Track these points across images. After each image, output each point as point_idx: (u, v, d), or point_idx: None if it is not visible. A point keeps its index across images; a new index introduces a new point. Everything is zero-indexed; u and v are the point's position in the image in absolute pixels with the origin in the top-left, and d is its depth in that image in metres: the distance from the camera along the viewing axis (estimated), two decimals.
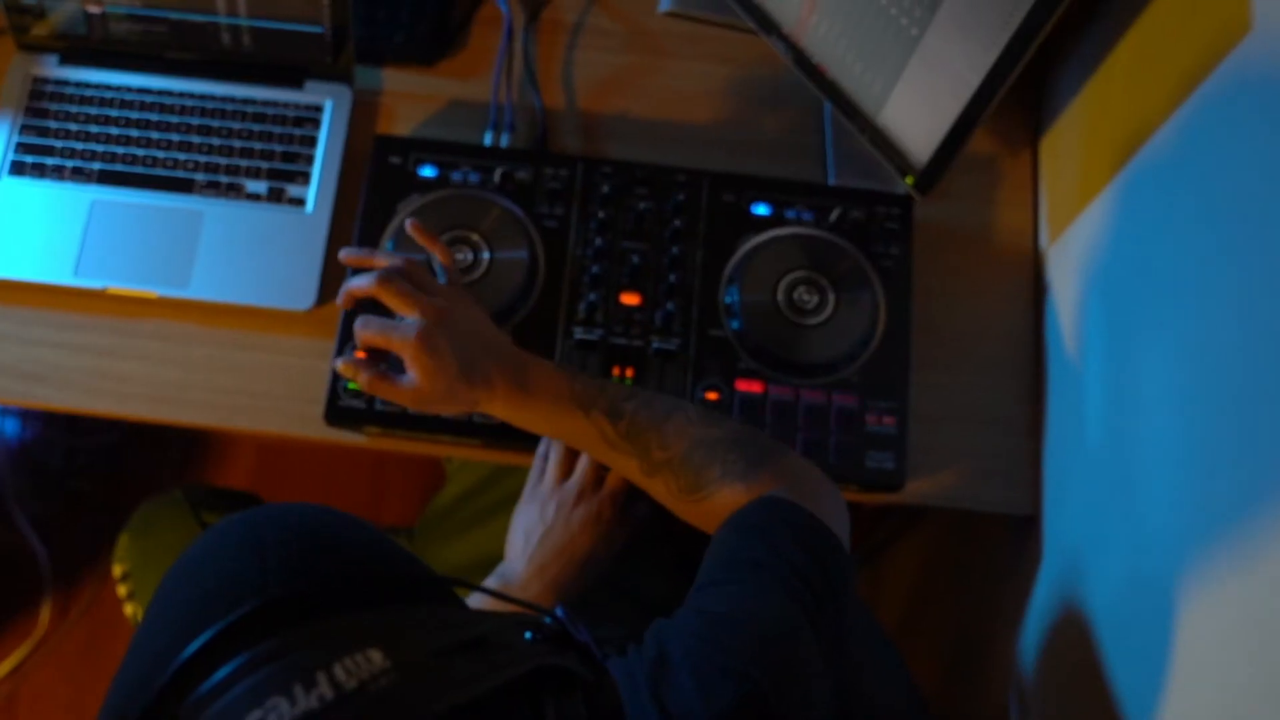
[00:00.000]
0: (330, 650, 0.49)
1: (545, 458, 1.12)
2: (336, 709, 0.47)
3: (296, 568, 0.56)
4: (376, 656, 0.49)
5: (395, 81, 1.30)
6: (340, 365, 0.96)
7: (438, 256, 1.05)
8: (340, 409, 1.13)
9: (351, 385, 1.12)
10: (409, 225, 1.03)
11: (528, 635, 0.57)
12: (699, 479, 0.95)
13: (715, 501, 0.95)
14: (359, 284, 0.96)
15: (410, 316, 0.94)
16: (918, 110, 1.14)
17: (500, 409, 0.98)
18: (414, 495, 1.98)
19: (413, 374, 0.93)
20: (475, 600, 1.01)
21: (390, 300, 0.94)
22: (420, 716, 0.48)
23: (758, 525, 0.89)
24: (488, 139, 1.25)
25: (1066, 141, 1.22)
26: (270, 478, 2.01)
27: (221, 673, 0.49)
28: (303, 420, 1.16)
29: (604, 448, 0.99)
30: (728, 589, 0.85)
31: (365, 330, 0.95)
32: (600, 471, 1.10)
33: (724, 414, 1.04)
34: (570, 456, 1.12)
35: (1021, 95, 1.29)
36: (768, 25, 1.24)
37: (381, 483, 2.03)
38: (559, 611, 0.59)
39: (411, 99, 1.29)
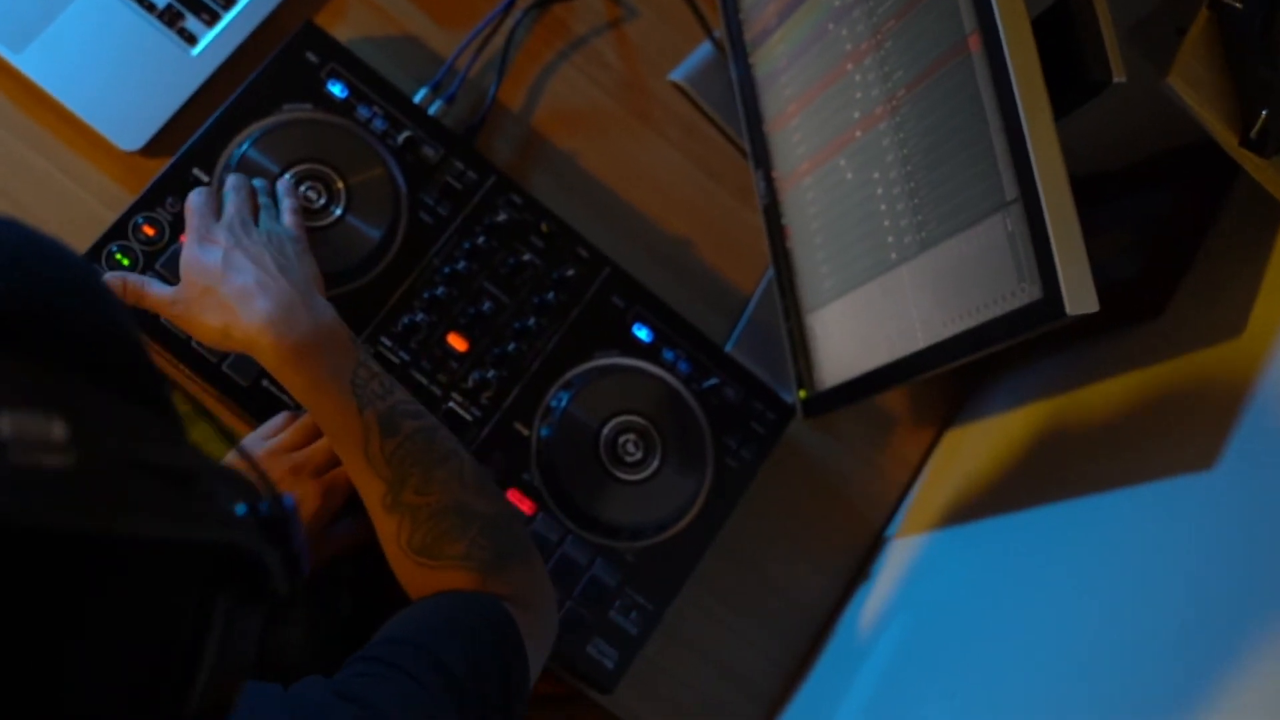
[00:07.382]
0: (4, 392, 0.35)
1: (294, 414, 0.95)
2: None
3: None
4: (58, 429, 0.36)
5: None
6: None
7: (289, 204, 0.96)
8: None
9: (122, 259, 0.95)
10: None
11: (241, 508, 0.43)
12: (439, 546, 0.83)
13: (442, 576, 0.83)
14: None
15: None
16: (850, 334, 1.00)
17: (268, 355, 0.83)
18: None
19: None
20: None
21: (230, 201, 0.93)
22: (79, 527, 0.36)
23: (471, 631, 0.78)
24: (419, 95, 1.08)
25: (969, 449, 1.10)
26: None
27: None
28: None
29: (358, 456, 0.83)
30: (402, 682, 0.72)
31: (191, 197, 0.93)
32: (333, 459, 0.92)
33: (500, 491, 0.91)
34: (317, 431, 0.93)
35: (957, 378, 1.16)
36: (761, 156, 1.10)
37: None
38: (287, 501, 0.45)
39: (371, 8, 1.11)
